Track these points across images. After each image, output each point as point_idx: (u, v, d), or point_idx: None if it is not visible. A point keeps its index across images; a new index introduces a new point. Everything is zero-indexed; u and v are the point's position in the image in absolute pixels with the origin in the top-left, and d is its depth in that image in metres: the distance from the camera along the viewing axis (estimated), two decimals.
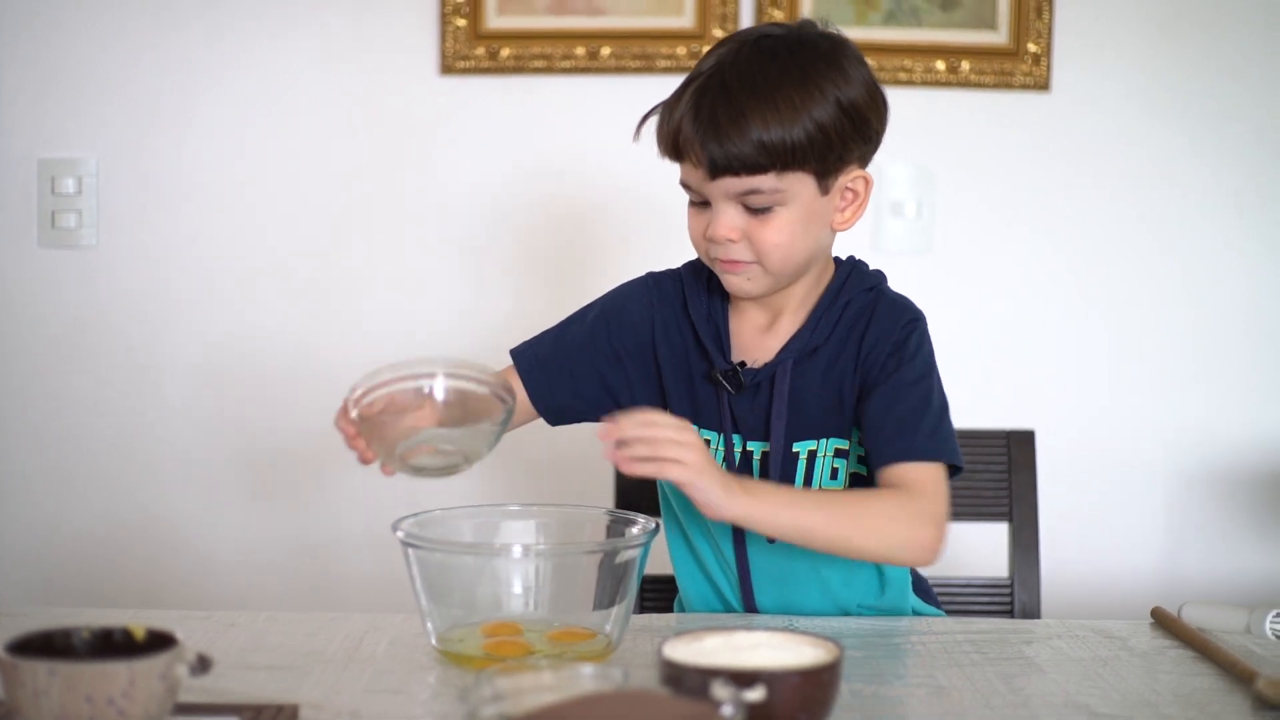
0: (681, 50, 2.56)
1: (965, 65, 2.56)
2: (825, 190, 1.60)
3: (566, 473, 2.60)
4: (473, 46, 2.57)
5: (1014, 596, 2.02)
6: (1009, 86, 2.58)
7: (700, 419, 1.68)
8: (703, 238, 1.62)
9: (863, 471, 1.68)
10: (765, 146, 1.53)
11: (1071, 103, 2.60)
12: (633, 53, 2.57)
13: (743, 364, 1.66)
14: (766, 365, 1.65)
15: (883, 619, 1.68)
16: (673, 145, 1.60)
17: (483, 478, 2.61)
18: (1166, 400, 2.64)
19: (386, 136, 2.62)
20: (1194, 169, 2.62)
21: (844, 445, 1.67)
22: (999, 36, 2.57)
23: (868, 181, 1.64)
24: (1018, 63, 2.57)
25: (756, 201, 1.57)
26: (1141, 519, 2.65)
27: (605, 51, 2.57)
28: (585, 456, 2.55)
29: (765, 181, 1.55)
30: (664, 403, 1.71)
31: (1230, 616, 1.61)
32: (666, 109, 1.62)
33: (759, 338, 1.69)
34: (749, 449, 1.67)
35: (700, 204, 1.62)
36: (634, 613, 1.54)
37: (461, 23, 2.56)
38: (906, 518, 1.55)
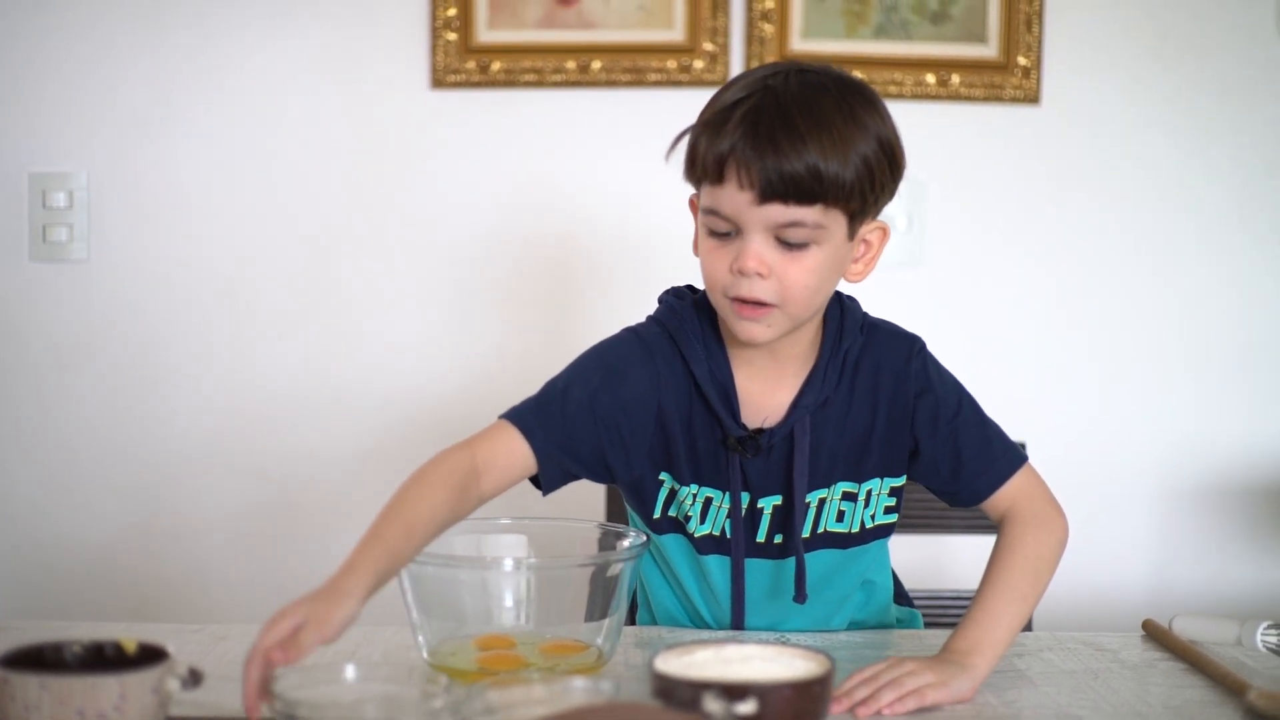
0: (672, 64, 2.56)
1: (955, 78, 2.57)
2: (851, 235, 1.54)
3: None
4: (463, 60, 2.57)
5: None
6: (999, 100, 2.58)
7: (702, 478, 1.63)
8: (727, 272, 1.52)
9: (892, 520, 1.67)
10: (821, 176, 1.46)
11: (1061, 116, 2.61)
12: (623, 66, 2.57)
13: (759, 430, 1.60)
14: (782, 424, 1.60)
15: (875, 632, 1.68)
16: (717, 165, 1.49)
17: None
18: (1156, 412, 2.65)
19: (377, 150, 2.62)
20: (1184, 181, 2.62)
21: (853, 489, 1.64)
22: (989, 50, 2.58)
23: (884, 232, 1.59)
24: (1008, 76, 2.57)
25: (796, 235, 1.48)
26: (1132, 531, 2.65)
27: (596, 65, 2.57)
28: None
29: (810, 214, 1.48)
30: (667, 463, 1.64)
31: (1221, 628, 1.61)
32: (710, 128, 1.51)
33: (767, 394, 1.62)
34: (759, 505, 1.63)
35: (723, 236, 1.52)
36: (625, 625, 1.54)
37: (452, 36, 2.56)
38: (1047, 534, 1.59)
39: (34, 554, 2.65)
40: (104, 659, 1.21)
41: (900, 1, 2.56)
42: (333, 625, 1.27)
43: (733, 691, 1.16)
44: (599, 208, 2.61)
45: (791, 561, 1.62)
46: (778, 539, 1.64)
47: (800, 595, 1.61)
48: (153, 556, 2.65)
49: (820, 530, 1.63)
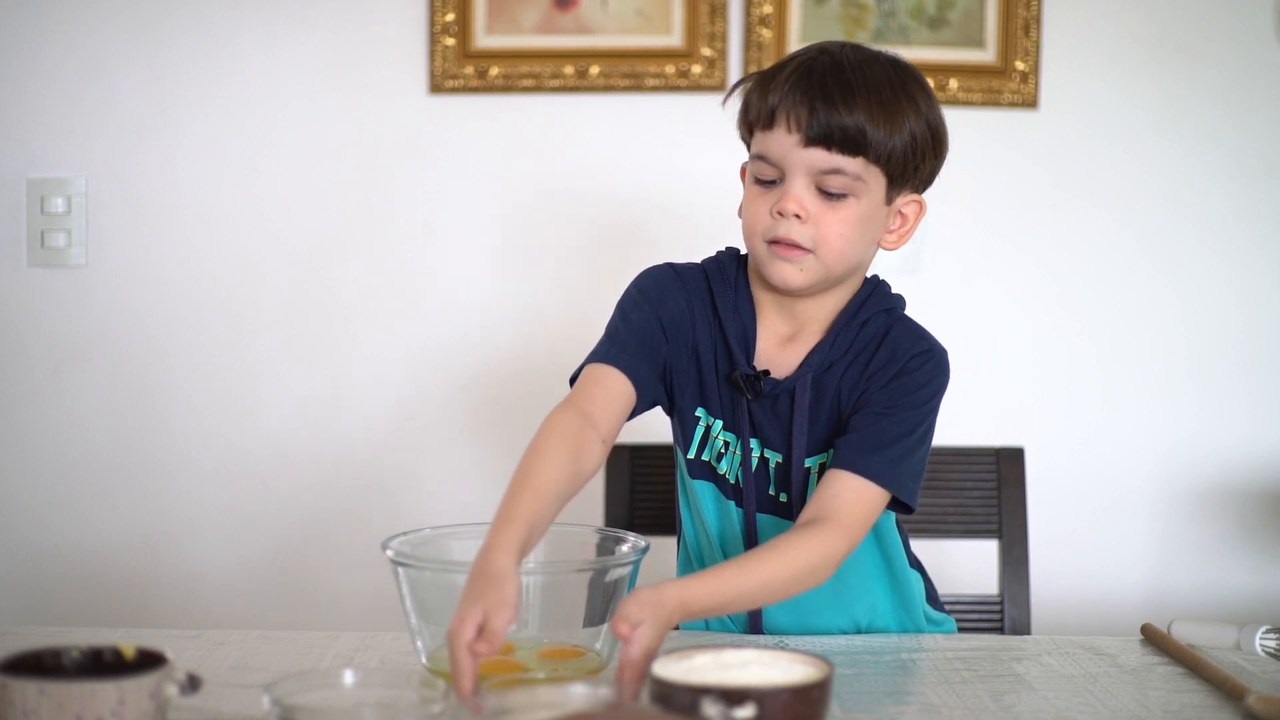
0: (670, 69, 2.56)
1: (953, 83, 2.57)
2: (889, 200, 1.62)
3: None
4: (461, 65, 2.57)
5: (1004, 613, 2.03)
6: (997, 104, 2.58)
7: (725, 419, 1.69)
8: (768, 215, 1.59)
9: None
10: (866, 130, 1.55)
11: (1060, 120, 2.61)
12: (621, 72, 2.57)
13: (766, 372, 1.65)
14: (787, 379, 1.65)
15: (874, 636, 1.68)
16: (770, 110, 1.58)
17: (471, 497, 2.61)
18: (1155, 417, 2.65)
19: (376, 155, 2.62)
20: (1183, 185, 2.62)
21: None
22: (987, 55, 2.58)
23: (920, 206, 1.66)
24: (1006, 81, 2.57)
25: (836, 184, 1.57)
26: (1131, 536, 2.65)
27: (594, 70, 2.57)
28: None
29: (852, 165, 1.56)
30: (701, 396, 1.69)
31: (1220, 633, 1.61)
32: (765, 78, 1.61)
33: (780, 348, 1.68)
34: (765, 456, 1.68)
35: (767, 184, 1.60)
36: None
37: (450, 42, 2.56)
38: (820, 562, 1.52)
39: (32, 559, 2.65)
40: (102, 664, 1.21)
41: (898, 6, 2.57)
42: (511, 605, 1.33)
43: (731, 696, 1.16)
44: (597, 213, 2.61)
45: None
46: (783, 497, 1.68)
47: None
48: (151, 562, 2.65)
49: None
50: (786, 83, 1.58)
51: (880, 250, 1.68)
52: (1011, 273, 2.63)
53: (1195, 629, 1.63)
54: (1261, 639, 1.58)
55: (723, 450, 1.69)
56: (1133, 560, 2.65)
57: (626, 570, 1.47)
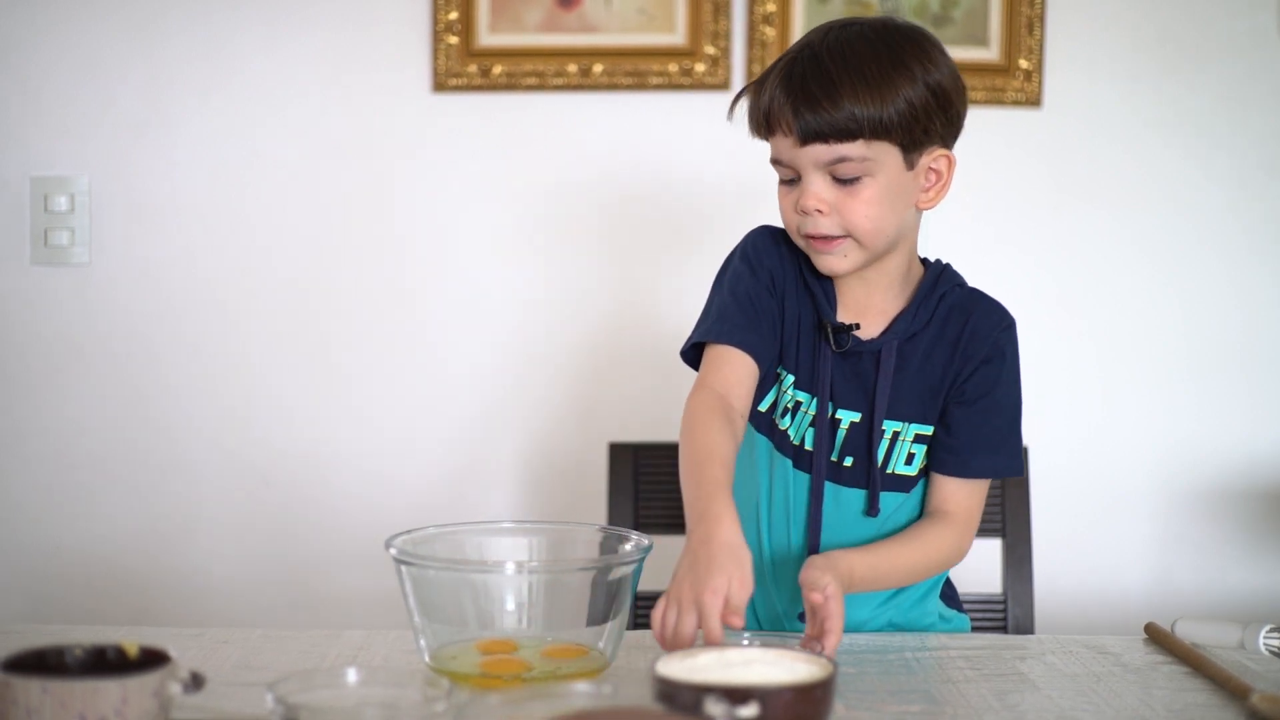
0: (673, 67, 2.56)
1: None
2: (910, 165, 1.63)
3: (560, 489, 2.60)
4: (465, 64, 2.57)
5: (1008, 612, 2.02)
6: (1000, 103, 2.58)
7: (799, 378, 1.71)
8: (794, 212, 1.64)
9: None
10: (855, 114, 1.57)
11: (1063, 119, 2.61)
12: (625, 70, 2.57)
13: (857, 325, 1.69)
14: (873, 340, 1.69)
15: (875, 635, 1.68)
16: (764, 117, 1.63)
17: (476, 495, 2.61)
18: (1155, 417, 2.64)
19: (379, 154, 2.62)
20: (1185, 185, 2.62)
21: (926, 431, 1.71)
22: (990, 53, 2.58)
23: (950, 161, 1.68)
24: (1009, 79, 2.57)
25: (845, 171, 1.60)
26: (1134, 535, 2.65)
27: (597, 69, 2.57)
28: (578, 472, 2.55)
29: (854, 149, 1.59)
30: (781, 353, 1.72)
31: (1224, 632, 1.61)
32: (756, 86, 1.66)
33: (856, 315, 1.71)
34: (838, 416, 1.70)
35: (790, 182, 1.64)
36: (628, 629, 1.54)
37: (453, 40, 2.56)
38: (952, 555, 1.70)
39: (32, 559, 2.65)
40: (105, 663, 1.21)
41: (902, 4, 2.56)
42: (752, 580, 1.42)
43: (734, 695, 1.16)
44: (600, 212, 2.61)
45: (857, 494, 1.70)
46: (848, 461, 1.71)
47: (873, 508, 1.69)
48: (154, 561, 2.65)
49: (890, 470, 1.71)
50: (771, 89, 1.62)
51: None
52: (1014, 271, 2.63)
53: (1199, 628, 1.63)
54: (1265, 638, 1.58)
55: (789, 407, 1.72)
56: (1135, 559, 2.65)
57: (630, 569, 1.47)
